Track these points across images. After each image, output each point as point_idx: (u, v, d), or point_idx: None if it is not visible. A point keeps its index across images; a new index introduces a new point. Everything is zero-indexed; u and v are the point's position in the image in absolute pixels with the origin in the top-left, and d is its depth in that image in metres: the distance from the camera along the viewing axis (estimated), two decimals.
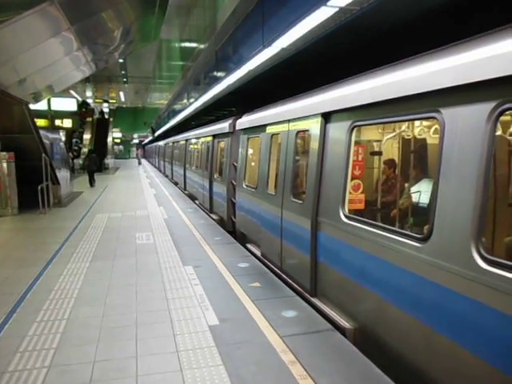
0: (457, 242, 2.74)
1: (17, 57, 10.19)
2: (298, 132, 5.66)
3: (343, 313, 4.34)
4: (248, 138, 8.19)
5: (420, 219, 3.97)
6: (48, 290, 5.27)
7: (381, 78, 3.68)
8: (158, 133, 41.72)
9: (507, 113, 2.56)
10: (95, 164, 21.21)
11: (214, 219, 10.57)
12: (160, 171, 33.02)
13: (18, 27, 9.00)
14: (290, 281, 5.62)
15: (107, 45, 15.44)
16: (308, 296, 5.03)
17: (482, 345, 2.56)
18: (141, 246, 7.63)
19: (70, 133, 31.19)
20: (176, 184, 20.89)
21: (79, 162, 28.27)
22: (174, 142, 23.26)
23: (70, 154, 25.68)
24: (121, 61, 31.69)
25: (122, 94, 53.66)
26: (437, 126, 3.30)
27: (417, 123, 4.43)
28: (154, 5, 15.50)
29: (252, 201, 7.50)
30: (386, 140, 5.09)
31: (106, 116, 39.45)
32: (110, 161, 34.96)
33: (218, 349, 3.72)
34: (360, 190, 4.54)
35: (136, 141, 76.61)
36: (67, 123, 29.82)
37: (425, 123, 4.39)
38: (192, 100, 15.93)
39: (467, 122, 2.74)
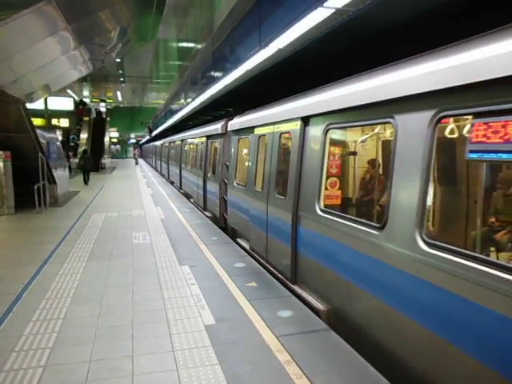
0: (404, 229, 3.23)
1: (13, 56, 10.18)
2: (282, 134, 6.15)
3: (318, 296, 4.84)
4: (238, 139, 8.68)
5: (380, 211, 4.43)
6: (44, 290, 5.26)
7: (350, 86, 4.14)
8: (155, 133, 41.68)
9: (444, 118, 3.00)
10: (90, 163, 21.58)
11: (207, 216, 10.98)
12: (157, 171, 33.09)
13: (15, 26, 8.99)
14: (274, 270, 6.10)
15: (104, 44, 15.44)
16: (289, 283, 5.51)
17: (427, 316, 3.03)
18: (137, 245, 7.64)
19: (67, 132, 31.15)
20: (172, 183, 21.29)
21: (75, 161, 28.21)
22: (170, 143, 23.85)
23: (70, 154, 25.72)
24: (118, 60, 31.63)
25: (119, 93, 53.54)
26: (392, 130, 3.74)
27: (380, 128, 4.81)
28: (151, 5, 15.49)
29: (242, 198, 7.96)
30: (359, 142, 5.52)
31: (103, 115, 39.38)
32: (106, 160, 34.92)
33: (214, 348, 3.73)
34: (336, 187, 5.03)
35: (133, 140, 76.48)
36: (64, 122, 29.76)
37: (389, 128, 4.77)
38: (189, 100, 15.94)
39: (413, 127, 3.22)
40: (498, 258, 3.00)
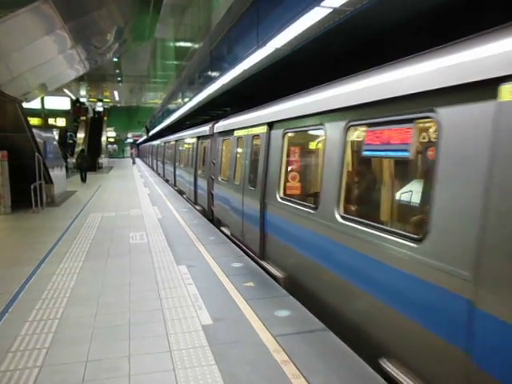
0: (328, 208, 4.44)
1: (10, 55, 10.13)
2: (254, 136, 7.36)
3: (279, 267, 6.02)
4: (222, 140, 9.91)
5: (315, 197, 5.28)
6: (41, 290, 5.24)
7: (303, 99, 5.28)
8: (152, 132, 41.62)
9: (351, 127, 4.21)
10: (87, 162, 22.39)
11: (198, 210, 12.07)
12: (153, 169, 33.14)
13: (12, 25, 8.96)
14: (248, 250, 7.30)
15: (101, 44, 15.39)
16: (258, 259, 6.72)
17: (348, 272, 4.09)
18: (134, 245, 7.62)
19: (63, 131, 31.06)
20: (167, 181, 22.22)
21: (72, 161, 28.15)
22: (165, 142, 25.01)
23: (67, 154, 25.67)
24: (115, 60, 31.58)
25: (116, 93, 53.48)
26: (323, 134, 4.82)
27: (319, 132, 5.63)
28: (148, 4, 15.48)
29: (224, 191, 9.24)
30: (307, 143, 6.58)
31: (100, 115, 39.26)
32: (103, 160, 34.81)
33: (211, 348, 3.72)
34: (292, 179, 6.18)
35: (130, 140, 76.35)
36: (61, 122, 29.61)
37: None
38: (186, 99, 15.92)
39: (335, 132, 4.43)
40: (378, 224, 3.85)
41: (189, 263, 6.43)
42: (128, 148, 73.78)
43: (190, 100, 14.27)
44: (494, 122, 2.50)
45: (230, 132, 9.08)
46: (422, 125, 3.45)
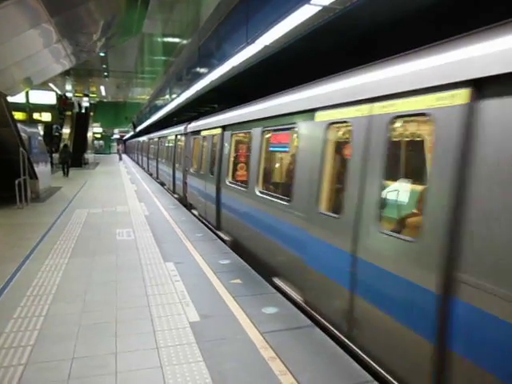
0: (252, 186, 6.45)
1: None
2: (213, 135, 9.50)
3: (228, 233, 8.08)
4: (193, 138, 12.00)
5: (246, 179, 7.18)
6: (25, 287, 5.18)
7: (241, 110, 7.58)
8: (139, 128, 41.27)
9: (266, 132, 6.35)
10: (69, 156, 23.59)
11: (175, 198, 14.17)
12: (139, 165, 33.06)
13: None
14: (209, 225, 9.43)
15: (88, 38, 15.16)
16: (215, 230, 8.73)
17: (265, 229, 5.98)
18: (121, 242, 7.57)
19: (49, 126, 30.61)
20: (151, 175, 24.17)
21: (57, 156, 27.77)
22: (150, 139, 27.34)
23: (53, 148, 25.36)
24: (102, 54, 31.17)
25: (102, 88, 52.78)
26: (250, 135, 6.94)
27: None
28: None
29: (194, 180, 11.40)
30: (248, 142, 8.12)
31: (86, 110, 38.77)
32: (89, 156, 34.43)
33: (199, 345, 3.72)
34: (237, 169, 8.25)
35: (117, 136, 75.57)
36: (46, 117, 29.12)
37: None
38: (174, 96, 15.82)
39: (257, 135, 6.50)
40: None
41: (176, 260, 6.42)
42: (114, 144, 73.02)
43: (177, 96, 14.19)
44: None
45: (198, 132, 11.29)
46: (293, 131, 5.60)
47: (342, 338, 3.84)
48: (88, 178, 21.00)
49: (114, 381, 3.17)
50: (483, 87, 2.51)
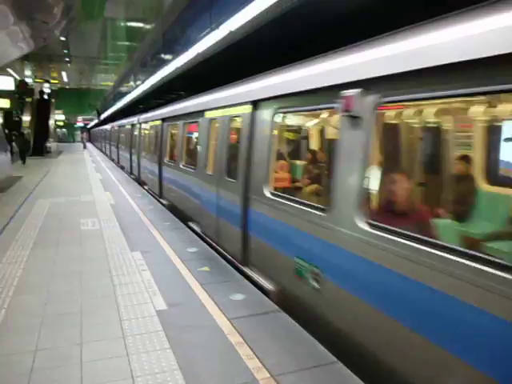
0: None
1: None
2: (156, 126, 11.96)
3: (167, 200, 10.47)
4: (143, 127, 14.71)
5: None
6: None
7: (176, 106, 10.37)
8: (103, 116, 40.23)
9: (186, 124, 9.12)
10: (25, 144, 24.19)
11: (132, 178, 16.17)
12: (105, 154, 32.55)
13: None
14: (156, 196, 11.71)
15: (47, 21, 14.58)
16: (159, 198, 11.19)
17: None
18: (86, 232, 7.41)
19: (9, 113, 29.44)
20: (113, 160, 26.09)
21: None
22: (112, 127, 29.21)
23: (14, 135, 24.47)
24: (63, 39, 30.04)
25: (64, 74, 51.02)
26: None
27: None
28: None
29: (144, 161, 13.94)
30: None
31: (48, 97, 37.38)
32: (52, 144, 33.33)
33: (166, 333, 3.72)
34: (171, 151, 10.79)
35: (81, 124, 73.45)
36: (3, 103, 27.91)
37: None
38: (139, 82, 15.52)
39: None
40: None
41: (143, 249, 6.35)
42: (78, 132, 70.98)
43: (142, 83, 13.91)
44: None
45: (146, 122, 14.16)
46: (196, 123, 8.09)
47: None
48: (50, 167, 20.36)
49: (79, 371, 3.13)
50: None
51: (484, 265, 2.29)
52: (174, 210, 9.46)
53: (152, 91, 14.22)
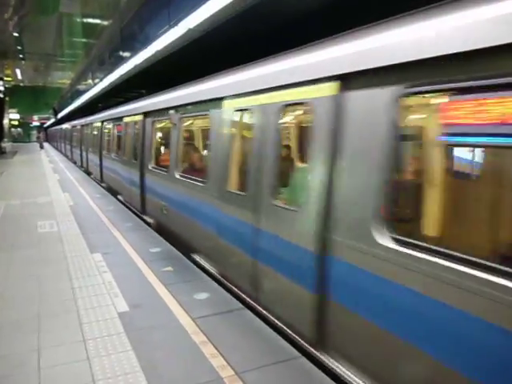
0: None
1: None
2: (99, 127, 14.50)
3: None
4: (92, 127, 16.47)
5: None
6: None
7: (113, 111, 13.18)
8: (60, 115, 38.97)
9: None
10: None
11: (83, 171, 18.43)
12: (61, 153, 31.75)
13: None
14: (99, 181, 13.88)
15: None
16: (100, 182, 13.47)
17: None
18: (43, 234, 7.17)
19: None
20: (67, 157, 27.27)
21: None
22: (66, 127, 30.32)
23: None
24: (16, 35, 28.84)
25: (18, 71, 48.97)
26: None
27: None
28: None
29: (105, 161, 13.81)
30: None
31: (1, 95, 35.79)
32: (7, 144, 32.04)
33: (128, 335, 3.66)
34: (108, 145, 13.21)
35: (37, 123, 70.82)
36: None
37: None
38: (97, 80, 15.16)
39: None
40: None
41: (104, 251, 6.20)
42: (35, 132, 68.43)
43: (100, 81, 13.58)
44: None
45: (93, 123, 16.32)
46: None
47: None
48: (5, 168, 19.53)
49: (37, 377, 3.03)
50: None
51: None
52: (110, 190, 11.36)
53: (111, 89, 13.91)
